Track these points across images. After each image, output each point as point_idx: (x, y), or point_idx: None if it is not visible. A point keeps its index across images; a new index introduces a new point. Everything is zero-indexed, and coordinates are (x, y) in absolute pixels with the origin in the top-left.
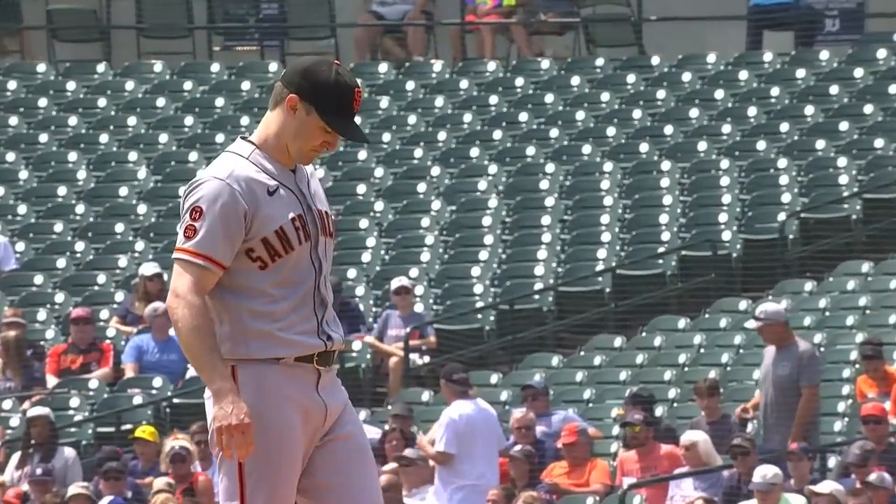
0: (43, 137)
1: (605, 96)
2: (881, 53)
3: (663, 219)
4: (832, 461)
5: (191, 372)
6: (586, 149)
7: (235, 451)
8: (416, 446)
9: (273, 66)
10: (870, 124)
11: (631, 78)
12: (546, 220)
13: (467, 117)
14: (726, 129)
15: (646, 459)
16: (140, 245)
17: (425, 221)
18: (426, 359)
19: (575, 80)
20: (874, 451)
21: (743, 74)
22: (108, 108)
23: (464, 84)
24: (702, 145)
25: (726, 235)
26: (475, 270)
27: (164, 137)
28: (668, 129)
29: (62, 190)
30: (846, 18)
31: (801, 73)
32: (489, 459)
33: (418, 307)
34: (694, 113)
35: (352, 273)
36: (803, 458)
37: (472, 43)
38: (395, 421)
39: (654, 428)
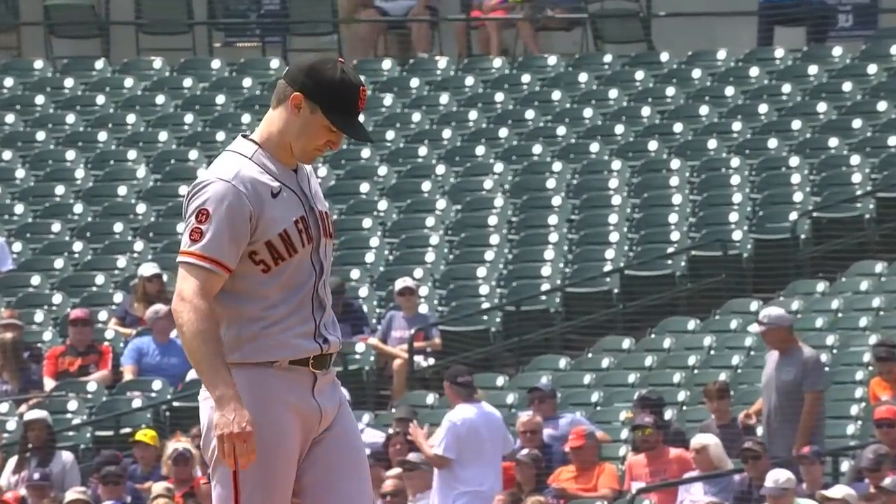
0: (40, 135)
1: (613, 93)
2: (895, 49)
3: (672, 218)
4: (845, 465)
5: (191, 375)
6: (594, 147)
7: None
8: (410, 435)
9: (275, 63)
10: (883, 121)
11: (639, 75)
12: (553, 219)
13: (473, 115)
14: (737, 126)
15: (655, 463)
16: (139, 245)
17: (430, 221)
18: (431, 361)
19: (582, 77)
20: (888, 455)
21: (754, 71)
22: (106, 105)
23: (469, 81)
24: (712, 143)
25: (737, 235)
26: (481, 271)
27: (163, 135)
28: (678, 127)
29: (60, 189)
30: (859, 14)
31: (813, 69)
32: (492, 465)
33: (423, 308)
34: (704, 110)
35: (355, 273)
36: (815, 462)
37: (477, 39)
38: (400, 424)
39: (664, 431)
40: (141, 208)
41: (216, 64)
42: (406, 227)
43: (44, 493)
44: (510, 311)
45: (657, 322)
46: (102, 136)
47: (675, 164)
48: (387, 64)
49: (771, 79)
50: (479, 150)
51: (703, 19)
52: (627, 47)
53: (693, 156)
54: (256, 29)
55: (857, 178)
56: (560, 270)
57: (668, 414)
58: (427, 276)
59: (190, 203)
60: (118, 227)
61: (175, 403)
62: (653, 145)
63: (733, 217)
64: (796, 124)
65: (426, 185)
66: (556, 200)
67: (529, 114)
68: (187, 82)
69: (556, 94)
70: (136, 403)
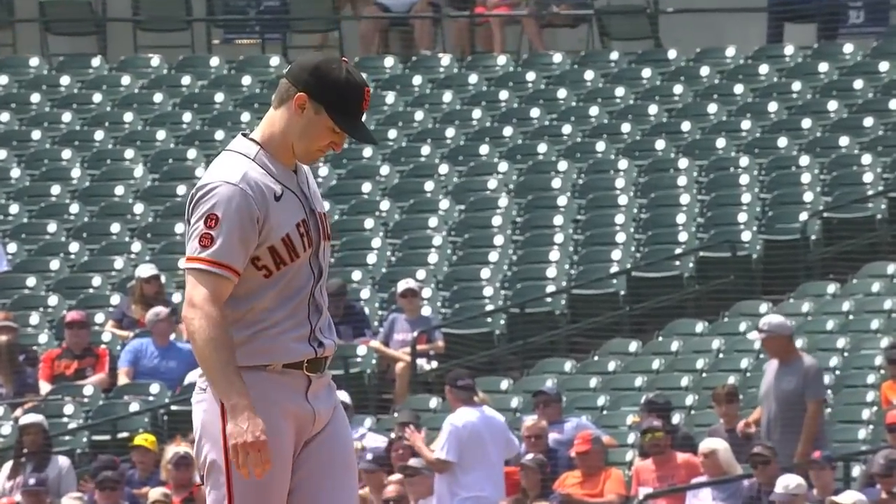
0: (36, 134)
1: (619, 91)
2: None
3: (680, 219)
4: (856, 470)
5: (189, 378)
6: (600, 146)
7: (252, 469)
8: (408, 440)
9: (275, 61)
10: (895, 120)
11: (647, 72)
12: (558, 219)
13: (476, 113)
14: (746, 125)
15: (663, 468)
16: (137, 246)
17: (433, 221)
18: (434, 364)
19: (588, 75)
20: None
21: (763, 68)
22: (103, 103)
23: (473, 79)
24: (720, 142)
25: (746, 236)
26: (485, 272)
27: (161, 134)
28: (686, 126)
29: (56, 189)
30: (871, 10)
31: (823, 67)
32: (495, 470)
33: (426, 310)
34: (712, 108)
35: (357, 275)
36: (826, 467)
37: (481, 36)
38: (402, 429)
39: (672, 436)
40: (138, 208)
41: (215, 61)
42: (408, 227)
43: (39, 499)
44: (515, 313)
45: (665, 324)
46: (99, 134)
47: (683, 163)
48: (389, 61)
49: (781, 76)
50: (483, 149)
51: (711, 16)
52: (634, 44)
53: (701, 155)
54: (256, 26)
55: (868, 177)
56: (566, 272)
57: (676, 418)
58: (430, 277)
59: (196, 207)
60: (115, 227)
61: (173, 407)
62: (660, 144)
63: (742, 217)
64: (806, 123)
65: (429, 185)
66: (562, 200)
67: (534, 112)
68: (186, 80)
69: (562, 92)
70: (134, 407)
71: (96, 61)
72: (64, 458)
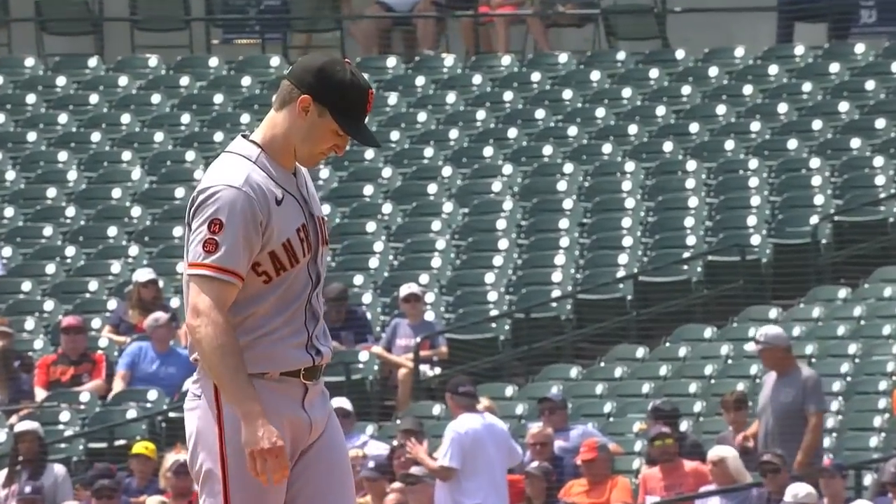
0: (31, 136)
1: (626, 92)
2: None
3: (688, 222)
4: (868, 479)
5: (187, 385)
6: (606, 148)
7: (271, 476)
8: (410, 453)
9: (275, 61)
10: None
11: (654, 73)
12: (564, 223)
13: (481, 115)
14: (755, 126)
15: (670, 477)
16: (134, 250)
17: (436, 225)
18: (437, 370)
19: (595, 76)
20: None
21: (773, 69)
22: (100, 104)
23: (477, 79)
24: (729, 144)
25: (755, 240)
26: (489, 277)
27: (159, 136)
28: (694, 127)
29: (52, 191)
30: (883, 9)
31: (834, 67)
32: (497, 478)
33: (429, 315)
34: (721, 110)
35: (358, 279)
36: (837, 475)
37: (485, 36)
38: (404, 436)
39: (680, 443)
40: (136, 211)
41: (214, 62)
42: (411, 231)
43: None
44: (519, 318)
45: (672, 330)
46: (96, 136)
47: (691, 165)
48: (391, 62)
49: (791, 77)
50: (488, 151)
51: (720, 15)
52: (641, 44)
53: (710, 157)
54: (256, 25)
55: (880, 180)
56: (571, 276)
57: (684, 425)
58: (433, 282)
59: (199, 211)
60: (112, 231)
61: (171, 414)
62: (668, 146)
63: (751, 221)
64: (817, 124)
65: (432, 188)
66: (568, 203)
67: (539, 113)
68: (184, 81)
69: (568, 93)
70: (131, 414)
71: (93, 61)
72: (60, 467)
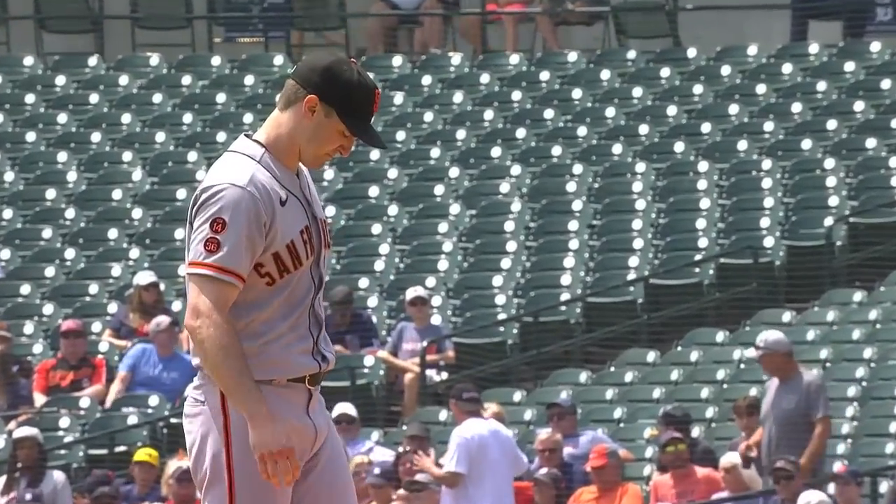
0: (30, 136)
1: (637, 92)
2: None
3: (700, 224)
4: (884, 486)
5: (189, 390)
6: (617, 148)
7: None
8: (416, 464)
9: (278, 60)
10: None
11: (665, 72)
12: (573, 225)
13: (488, 114)
14: (769, 126)
15: (682, 484)
16: (135, 252)
17: (443, 227)
18: (444, 375)
19: (604, 74)
20: None
21: (787, 68)
22: (100, 104)
23: (485, 79)
24: (742, 144)
25: (769, 242)
26: (497, 280)
27: (160, 136)
28: (706, 127)
29: (51, 193)
30: None
31: (849, 66)
32: (503, 484)
33: (435, 319)
34: (734, 109)
35: (364, 282)
36: (851, 482)
37: (493, 34)
38: (411, 442)
39: (691, 450)
40: (137, 213)
41: (216, 60)
42: (418, 233)
43: None
44: (528, 322)
45: (684, 334)
46: (96, 136)
47: (703, 166)
48: (398, 60)
49: (805, 76)
50: (495, 151)
51: (732, 13)
52: (652, 42)
53: (722, 158)
54: (259, 23)
55: (895, 181)
56: (581, 279)
57: (696, 431)
58: (440, 285)
59: (201, 209)
60: (113, 233)
61: (173, 420)
62: (679, 147)
63: (765, 222)
64: (832, 124)
65: (439, 189)
66: (577, 205)
67: (548, 113)
68: (186, 80)
69: (577, 93)
70: (132, 420)
71: (93, 60)
72: (59, 473)
